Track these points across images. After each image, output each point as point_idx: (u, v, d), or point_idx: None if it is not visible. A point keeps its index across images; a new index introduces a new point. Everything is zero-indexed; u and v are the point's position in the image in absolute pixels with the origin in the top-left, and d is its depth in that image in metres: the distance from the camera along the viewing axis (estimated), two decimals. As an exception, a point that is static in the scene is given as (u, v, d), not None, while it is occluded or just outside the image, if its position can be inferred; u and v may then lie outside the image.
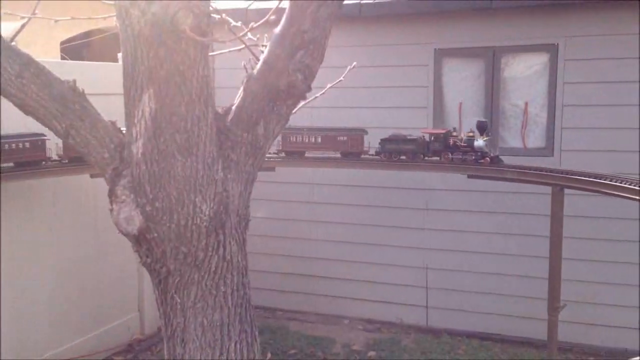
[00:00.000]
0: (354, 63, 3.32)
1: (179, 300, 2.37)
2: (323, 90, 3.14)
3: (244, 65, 2.51)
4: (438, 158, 5.06)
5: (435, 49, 6.07)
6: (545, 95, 5.81)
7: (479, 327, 6.29)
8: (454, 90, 6.13)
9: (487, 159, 4.80)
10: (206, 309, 2.38)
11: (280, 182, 6.56)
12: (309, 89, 2.56)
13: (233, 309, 2.43)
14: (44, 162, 4.76)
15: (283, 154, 5.45)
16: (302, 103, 2.81)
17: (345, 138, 5.29)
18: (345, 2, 6.06)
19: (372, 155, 5.32)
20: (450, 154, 4.95)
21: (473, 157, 4.85)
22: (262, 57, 2.36)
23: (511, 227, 6.02)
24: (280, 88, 2.43)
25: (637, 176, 4.27)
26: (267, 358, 5.68)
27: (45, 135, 4.66)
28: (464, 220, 6.19)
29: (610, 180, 4.20)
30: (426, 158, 5.11)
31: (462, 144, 4.91)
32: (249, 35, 2.68)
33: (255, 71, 2.37)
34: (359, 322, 6.68)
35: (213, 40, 2.13)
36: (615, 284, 5.77)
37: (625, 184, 4.12)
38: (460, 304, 6.36)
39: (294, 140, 5.36)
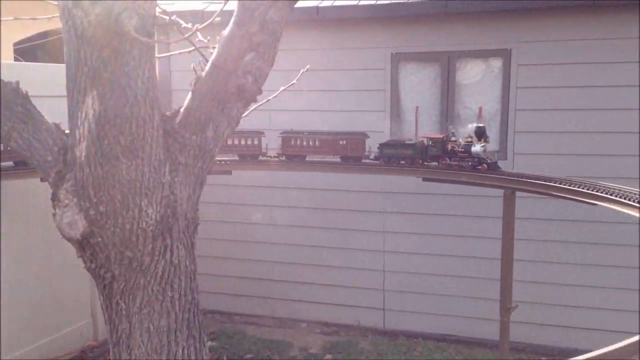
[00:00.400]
0: (307, 66, 3.32)
1: (124, 306, 2.33)
2: (275, 93, 3.13)
3: (194, 68, 2.48)
4: (436, 163, 4.93)
5: (392, 53, 6.11)
6: (499, 100, 5.91)
7: (435, 328, 6.35)
8: (410, 94, 6.18)
9: (485, 165, 4.67)
10: (152, 315, 2.35)
11: (240, 185, 6.53)
12: (260, 91, 2.55)
13: (180, 314, 2.40)
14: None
15: (284, 157, 5.34)
16: (254, 106, 2.80)
17: (345, 142, 5.20)
18: (303, 5, 6.09)
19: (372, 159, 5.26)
20: (448, 160, 4.83)
21: (470, 164, 4.72)
22: (210, 59, 2.33)
23: (466, 230, 6.10)
24: (229, 90, 2.41)
25: (587, 179, 4.36)
26: (223, 363, 5.65)
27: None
28: (421, 223, 6.24)
29: (560, 183, 4.28)
30: (425, 163, 4.97)
31: (460, 150, 4.77)
32: (200, 37, 2.66)
33: (203, 73, 2.35)
34: (317, 325, 6.67)
35: (158, 42, 2.10)
36: (566, 284, 5.89)
37: (573, 186, 4.21)
38: (417, 306, 6.41)
39: (294, 143, 5.27)
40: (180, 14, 2.79)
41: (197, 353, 2.46)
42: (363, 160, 5.22)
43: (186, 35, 2.17)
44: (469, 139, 4.79)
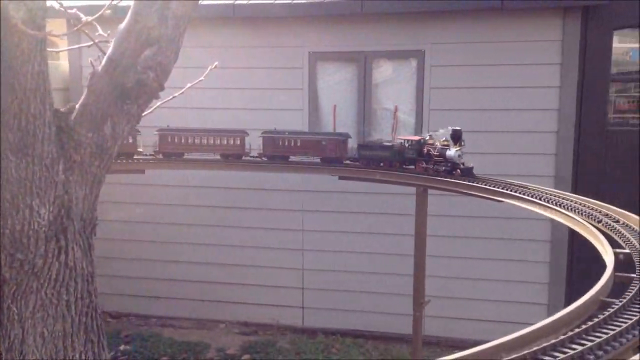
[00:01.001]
0: (216, 63, 3.27)
1: (16, 310, 2.23)
2: (182, 90, 3.08)
3: (91, 62, 2.40)
4: (413, 167, 4.78)
5: (309, 52, 6.13)
6: (414, 100, 6.03)
7: (353, 325, 6.42)
8: (328, 93, 6.22)
9: (459, 170, 4.46)
10: (47, 319, 2.25)
11: (152, 184, 6.39)
12: (162, 87, 2.49)
13: (77, 317, 2.31)
14: None
15: (265, 158, 5.19)
16: (158, 103, 2.73)
17: (325, 143, 5.06)
18: (219, 3, 6.01)
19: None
20: (424, 163, 4.65)
21: (443, 168, 4.51)
22: (107, 53, 2.26)
23: (382, 227, 6.19)
24: (128, 86, 2.34)
25: (498, 176, 4.50)
26: (137, 366, 5.51)
27: None
28: (339, 221, 6.30)
29: (467, 181, 4.40)
30: (403, 166, 4.80)
31: (435, 153, 4.58)
32: (100, 31, 2.57)
33: (99, 68, 2.27)
34: (235, 325, 6.62)
35: (48, 35, 2.02)
36: (478, 279, 6.08)
37: (482, 184, 4.34)
38: (335, 303, 6.46)
39: (278, 144, 5.12)
40: (82, 9, 2.70)
41: (96, 358, 2.38)
42: (345, 162, 5.08)
43: (77, 27, 2.09)
44: (446, 142, 4.54)
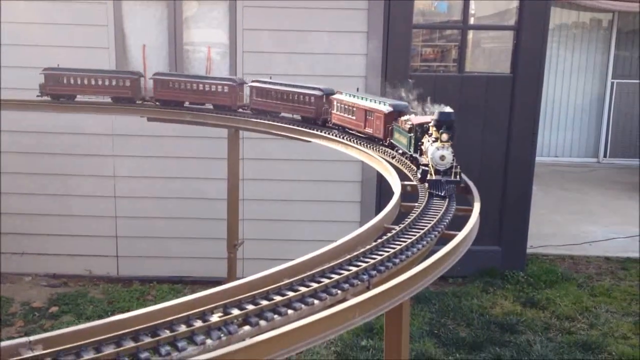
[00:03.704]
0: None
1: None
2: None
3: None
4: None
5: (115, -12, 5.78)
6: (227, 41, 5.95)
7: (170, 271, 6.35)
8: (136, 32, 5.93)
9: (444, 184, 2.70)
10: None
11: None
12: None
13: None
14: None
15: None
16: None
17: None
18: None
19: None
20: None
21: (419, 173, 2.87)
22: None
23: (194, 171, 6.11)
24: None
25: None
26: None
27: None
28: (151, 166, 6.12)
29: (276, 122, 4.45)
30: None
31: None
32: None
33: None
34: (43, 278, 6.27)
35: None
36: (290, 220, 6.25)
37: (292, 125, 4.40)
38: (150, 250, 6.33)
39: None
40: None
41: None
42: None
43: None
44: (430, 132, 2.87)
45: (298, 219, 6.27)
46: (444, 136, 2.66)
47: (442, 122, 2.70)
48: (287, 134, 4.48)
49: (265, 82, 4.52)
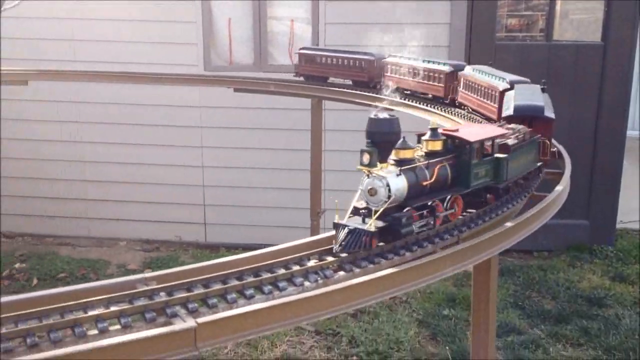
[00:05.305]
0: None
1: None
2: None
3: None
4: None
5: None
6: (310, 14, 6.00)
7: (253, 239, 6.49)
8: (221, 6, 6.08)
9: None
10: None
11: (43, 100, 6.13)
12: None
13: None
14: None
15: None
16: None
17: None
18: None
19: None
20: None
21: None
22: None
23: (278, 142, 6.23)
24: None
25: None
26: (34, 284, 5.41)
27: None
28: (237, 137, 6.29)
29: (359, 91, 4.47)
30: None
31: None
32: None
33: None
34: (137, 243, 6.60)
35: None
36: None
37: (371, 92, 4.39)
38: (236, 218, 6.54)
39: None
40: None
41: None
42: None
43: None
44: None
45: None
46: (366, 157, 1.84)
47: (370, 134, 2.01)
48: (368, 102, 4.50)
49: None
